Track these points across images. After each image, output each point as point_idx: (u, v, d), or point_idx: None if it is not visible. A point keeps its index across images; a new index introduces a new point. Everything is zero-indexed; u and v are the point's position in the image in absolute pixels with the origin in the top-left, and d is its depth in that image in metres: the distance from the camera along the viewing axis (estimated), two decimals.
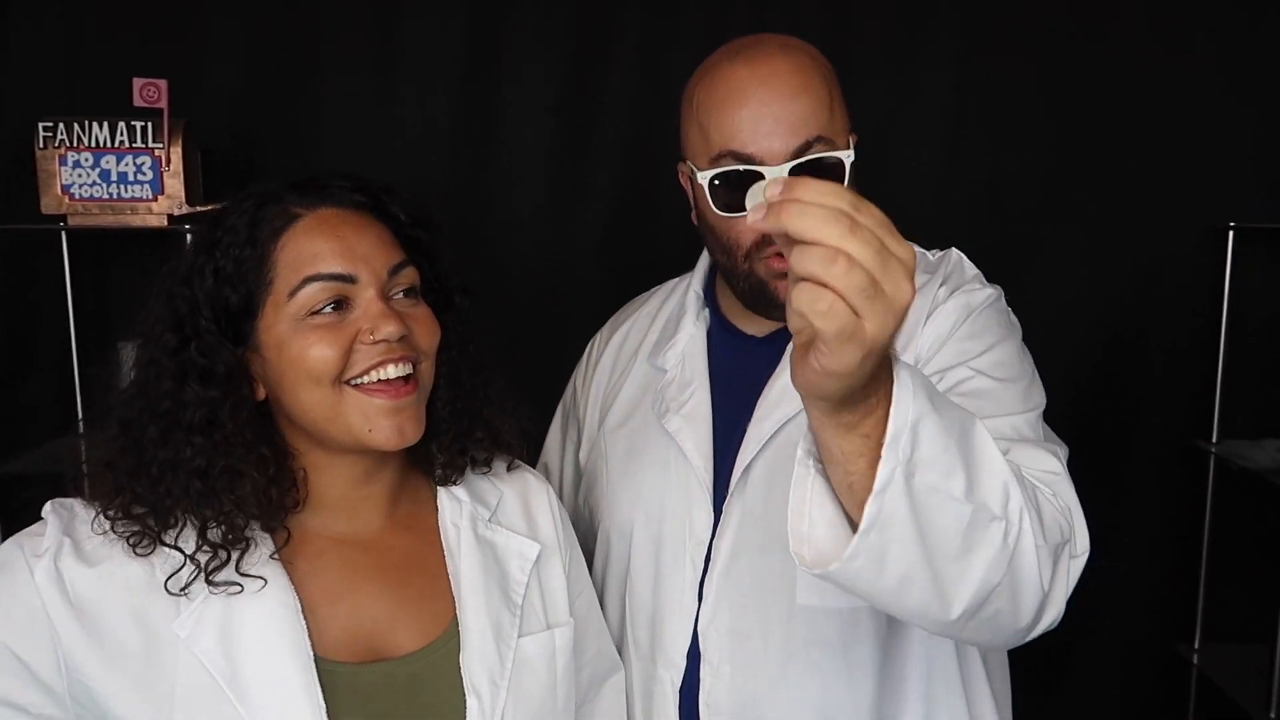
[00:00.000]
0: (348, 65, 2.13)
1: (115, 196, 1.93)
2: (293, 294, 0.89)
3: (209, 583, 0.88)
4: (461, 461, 1.04)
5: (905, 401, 0.74)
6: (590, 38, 2.15)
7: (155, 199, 1.94)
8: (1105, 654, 2.30)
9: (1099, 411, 2.22)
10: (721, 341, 1.25)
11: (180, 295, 0.91)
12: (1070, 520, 0.94)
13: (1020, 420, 1.06)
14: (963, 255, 1.24)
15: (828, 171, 1.08)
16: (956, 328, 1.13)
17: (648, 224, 2.11)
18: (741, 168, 1.07)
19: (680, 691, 1.17)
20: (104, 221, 1.94)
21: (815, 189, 0.64)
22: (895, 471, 0.74)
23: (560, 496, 1.44)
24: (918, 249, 1.26)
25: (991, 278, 1.24)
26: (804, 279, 0.65)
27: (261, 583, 0.89)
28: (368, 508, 0.99)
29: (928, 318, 1.14)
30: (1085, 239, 2.20)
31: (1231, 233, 2.18)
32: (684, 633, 1.17)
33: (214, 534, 0.89)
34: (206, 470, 0.89)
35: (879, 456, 0.74)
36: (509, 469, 1.11)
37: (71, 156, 1.91)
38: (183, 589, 0.87)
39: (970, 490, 0.79)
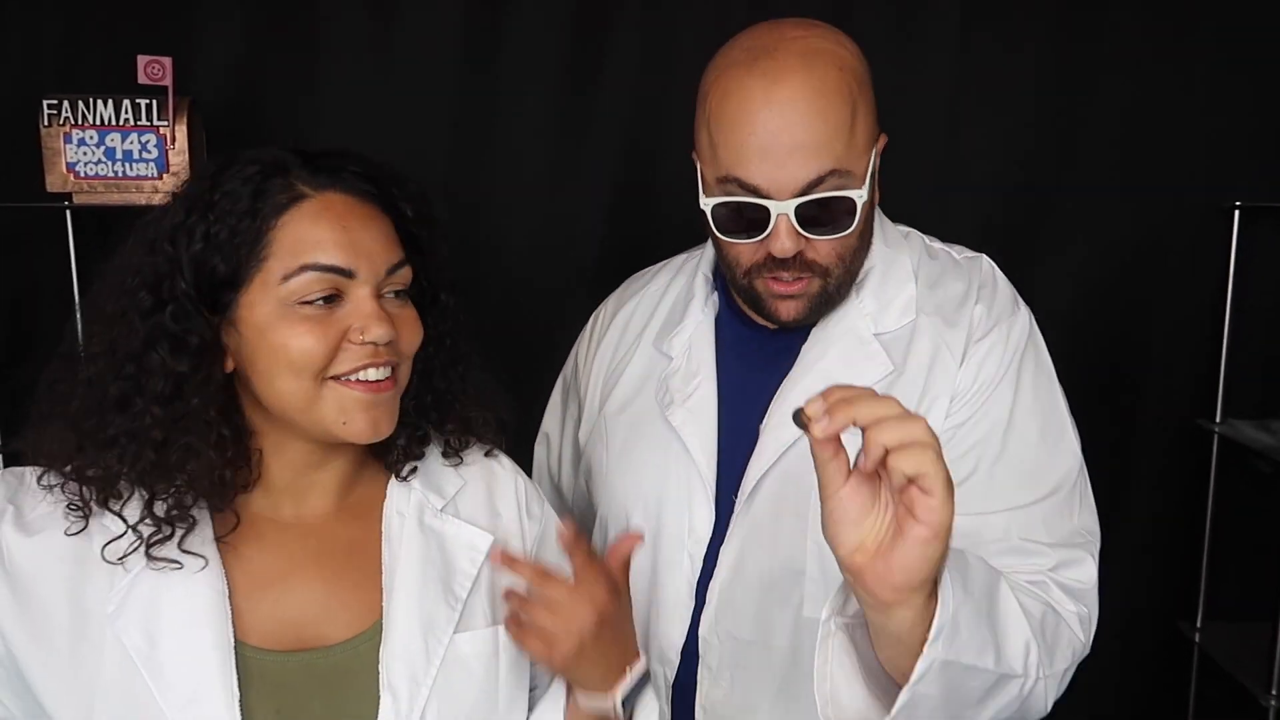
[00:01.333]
0: (352, 44, 2.11)
1: (120, 174, 1.93)
2: (287, 278, 0.86)
3: (149, 556, 0.86)
4: (418, 451, 1.01)
5: (948, 593, 0.78)
6: (593, 19, 2.13)
7: (160, 177, 1.94)
8: (1107, 632, 2.28)
9: (1103, 390, 2.22)
10: (730, 328, 1.21)
11: (163, 252, 0.87)
12: (1087, 632, 1.02)
13: (1060, 501, 1.07)
14: (994, 266, 1.18)
15: (836, 213, 1.03)
16: (996, 380, 1.09)
17: (649, 208, 2.09)
18: (745, 199, 1.03)
19: (673, 687, 1.17)
20: (109, 199, 1.93)
21: (842, 394, 0.75)
22: (933, 664, 0.78)
23: (559, 471, 1.42)
24: (940, 245, 1.21)
25: (996, 257, 1.21)
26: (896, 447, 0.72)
27: (203, 561, 0.87)
28: (317, 492, 0.96)
29: (965, 350, 1.10)
30: (1090, 218, 2.19)
31: (1237, 212, 2.17)
32: (680, 630, 1.15)
33: (160, 508, 0.87)
34: (163, 444, 0.86)
35: (922, 638, 0.78)
36: (484, 456, 1.07)
37: (76, 134, 1.91)
38: (120, 559, 0.85)
39: (998, 660, 0.86)
